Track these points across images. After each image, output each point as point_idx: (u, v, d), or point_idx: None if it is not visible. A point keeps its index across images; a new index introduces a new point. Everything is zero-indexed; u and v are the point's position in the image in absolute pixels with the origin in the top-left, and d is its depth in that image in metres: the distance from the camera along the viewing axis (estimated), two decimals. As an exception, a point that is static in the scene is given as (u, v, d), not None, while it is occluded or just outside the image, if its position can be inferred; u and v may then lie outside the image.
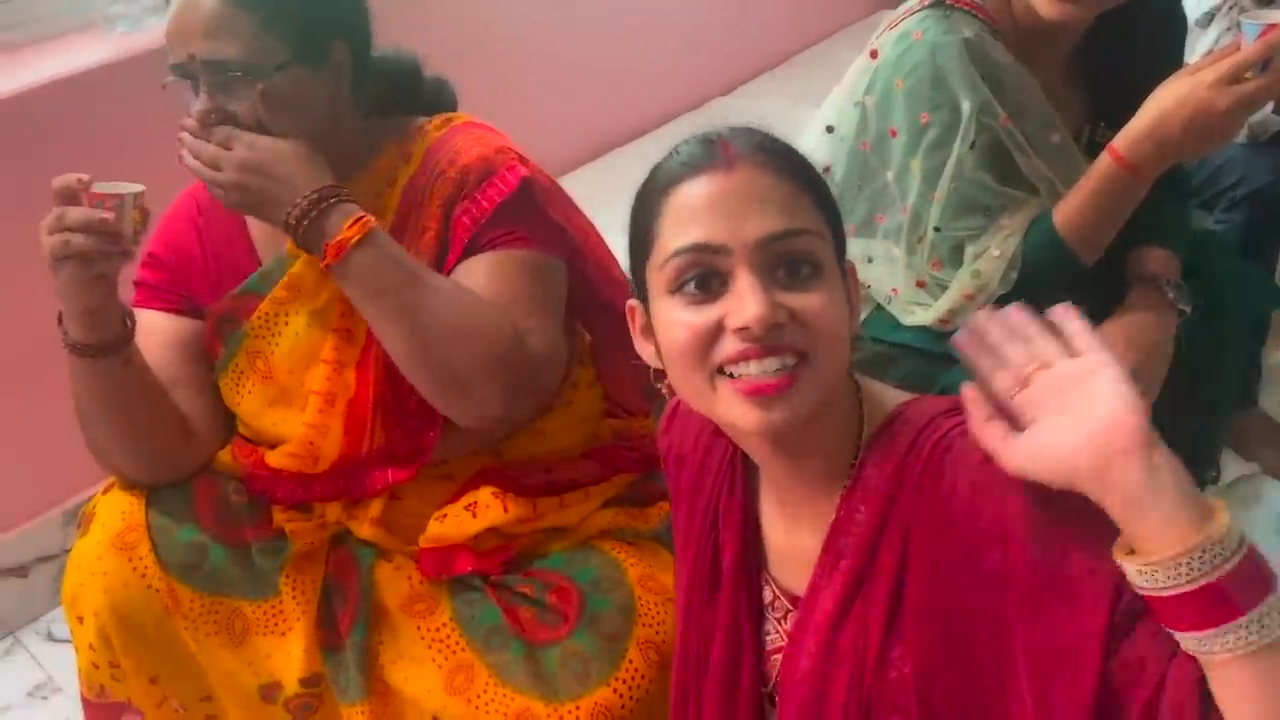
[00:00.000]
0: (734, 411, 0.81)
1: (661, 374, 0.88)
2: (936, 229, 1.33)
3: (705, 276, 0.81)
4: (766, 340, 0.79)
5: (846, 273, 0.88)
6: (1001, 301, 1.34)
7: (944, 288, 1.36)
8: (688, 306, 0.82)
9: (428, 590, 1.28)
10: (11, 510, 1.92)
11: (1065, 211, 1.29)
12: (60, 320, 1.21)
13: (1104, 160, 1.25)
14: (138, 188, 1.15)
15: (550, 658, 1.22)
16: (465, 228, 1.22)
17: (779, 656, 0.93)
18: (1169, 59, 1.41)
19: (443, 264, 1.23)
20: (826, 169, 1.46)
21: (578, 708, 1.18)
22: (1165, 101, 1.19)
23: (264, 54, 1.14)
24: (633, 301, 0.91)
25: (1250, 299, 1.47)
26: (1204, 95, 1.16)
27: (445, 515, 1.29)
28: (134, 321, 1.23)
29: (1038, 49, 1.36)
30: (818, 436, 0.86)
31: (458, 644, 1.24)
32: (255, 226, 1.35)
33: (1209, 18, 1.82)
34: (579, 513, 1.34)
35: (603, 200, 1.34)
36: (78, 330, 1.19)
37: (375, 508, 1.32)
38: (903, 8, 1.36)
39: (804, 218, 0.82)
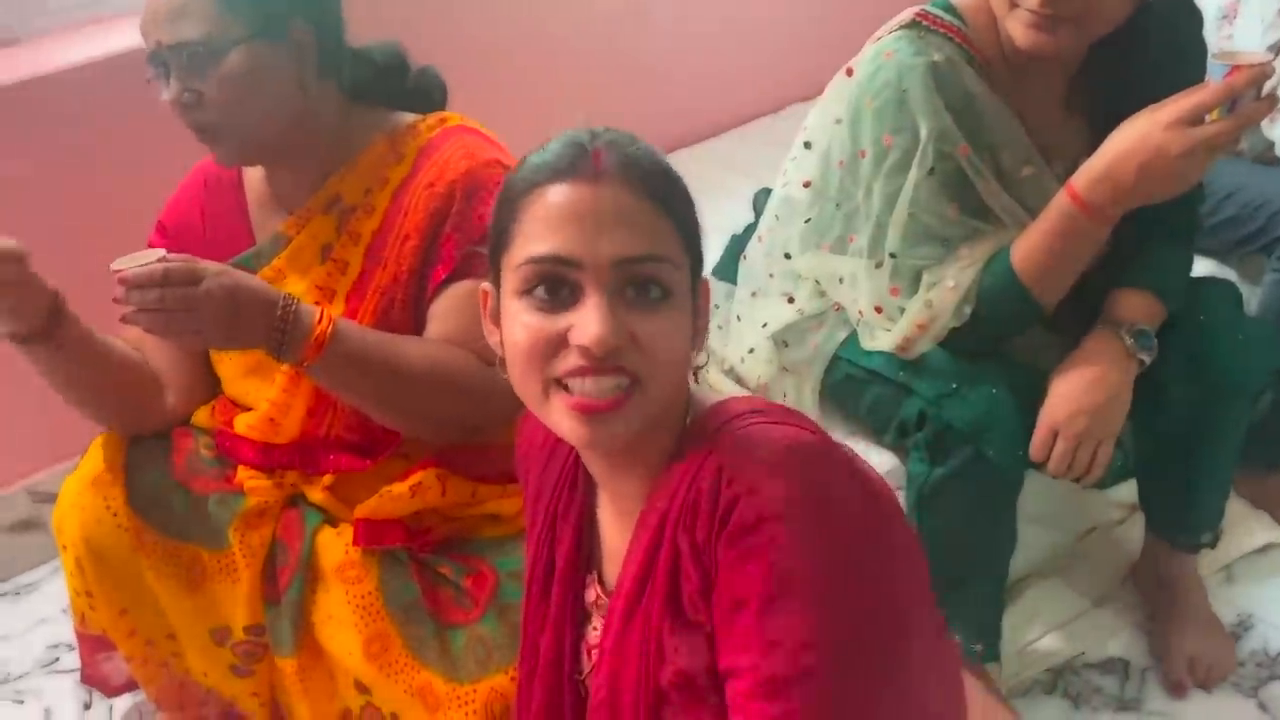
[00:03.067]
0: (563, 424, 0.84)
1: (504, 361, 0.90)
2: (892, 255, 1.30)
3: (555, 284, 0.82)
4: (605, 361, 0.80)
5: (699, 292, 0.88)
6: (955, 334, 1.30)
7: (902, 312, 1.33)
8: (535, 312, 0.83)
9: (361, 558, 1.33)
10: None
11: (1022, 248, 1.24)
12: None
13: (1061, 198, 1.19)
14: (154, 255, 1.13)
15: (458, 639, 1.26)
16: (456, 245, 1.28)
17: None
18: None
19: (426, 275, 1.30)
20: (806, 184, 1.44)
21: (475, 690, 1.22)
22: (1122, 142, 1.13)
23: (223, 32, 1.21)
24: (486, 285, 0.92)
25: (1254, 357, 1.36)
26: (1160, 137, 1.10)
27: (389, 491, 1.34)
28: (61, 317, 1.26)
29: (1029, 79, 1.31)
30: (645, 447, 0.88)
31: (379, 613, 1.30)
32: (253, 206, 1.43)
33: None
34: (519, 502, 1.38)
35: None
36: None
37: (329, 476, 1.39)
38: (884, 26, 1.33)
39: (662, 244, 0.83)
